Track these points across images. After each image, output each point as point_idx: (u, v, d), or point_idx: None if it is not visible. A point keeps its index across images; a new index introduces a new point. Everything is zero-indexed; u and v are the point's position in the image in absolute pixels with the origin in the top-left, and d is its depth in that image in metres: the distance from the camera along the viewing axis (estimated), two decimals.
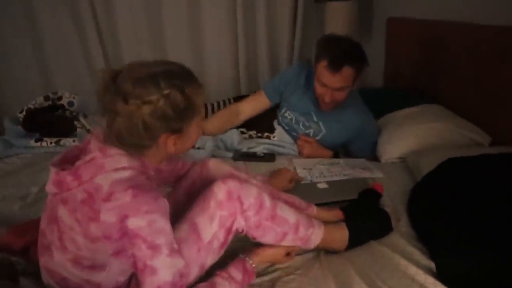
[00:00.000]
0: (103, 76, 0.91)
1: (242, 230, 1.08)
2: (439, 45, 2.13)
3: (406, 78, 2.52)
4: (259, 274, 1.13)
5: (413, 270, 1.10)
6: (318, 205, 1.42)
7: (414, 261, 1.14)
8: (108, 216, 0.86)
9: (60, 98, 2.26)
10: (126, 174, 0.89)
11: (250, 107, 2.09)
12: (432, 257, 1.14)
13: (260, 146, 1.96)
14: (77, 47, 2.85)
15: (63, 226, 0.91)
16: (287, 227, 1.10)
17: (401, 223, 1.34)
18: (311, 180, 1.64)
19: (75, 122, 2.12)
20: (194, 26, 2.98)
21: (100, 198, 0.86)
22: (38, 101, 2.21)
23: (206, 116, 2.25)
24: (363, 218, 1.28)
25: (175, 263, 0.90)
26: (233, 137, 1.98)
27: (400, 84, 2.57)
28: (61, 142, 1.99)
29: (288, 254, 1.15)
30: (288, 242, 1.12)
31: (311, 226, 1.15)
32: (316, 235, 1.16)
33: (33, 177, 1.72)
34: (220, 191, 1.04)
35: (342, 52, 1.72)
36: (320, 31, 2.93)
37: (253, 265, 1.09)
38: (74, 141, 1.98)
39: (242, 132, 2.08)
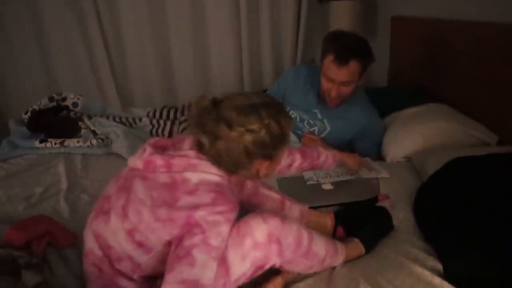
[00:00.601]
0: (202, 102, 0.98)
1: (274, 264, 1.05)
2: (444, 44, 2.11)
3: (411, 77, 2.51)
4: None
5: (419, 270, 1.09)
6: (321, 207, 1.42)
7: (420, 262, 1.13)
8: (183, 205, 0.91)
9: (64, 99, 2.27)
10: (215, 178, 0.97)
11: None
12: (438, 257, 1.13)
13: None
14: (80, 46, 2.85)
15: (133, 197, 0.96)
16: (316, 261, 1.09)
17: (408, 223, 1.33)
18: (317, 181, 1.63)
19: (80, 123, 2.12)
20: (197, 26, 2.98)
21: (184, 189, 0.93)
22: (43, 102, 2.21)
23: None
24: (368, 225, 1.26)
25: (213, 270, 0.91)
26: None
27: (405, 83, 2.55)
28: (65, 143, 1.99)
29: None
30: (311, 271, 1.12)
31: (335, 255, 1.13)
32: (338, 261, 1.15)
33: (37, 178, 1.72)
34: (260, 232, 0.98)
35: (349, 46, 1.72)
36: (324, 30, 2.92)
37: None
38: (78, 141, 1.99)
39: None
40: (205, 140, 0.98)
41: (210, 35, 3.04)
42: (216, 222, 0.91)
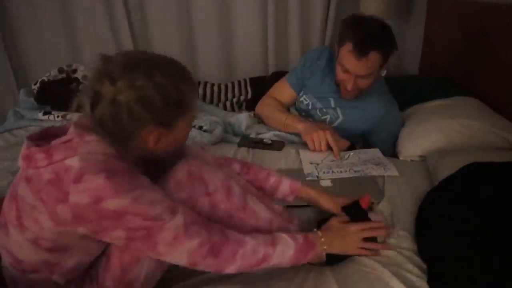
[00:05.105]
0: (95, 60, 0.85)
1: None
2: (485, 31, 1.87)
3: (444, 66, 2.27)
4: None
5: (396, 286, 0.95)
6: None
7: (408, 283, 0.98)
8: (79, 197, 0.79)
9: (74, 71, 2.22)
10: (99, 157, 0.83)
11: (287, 99, 1.94)
12: (428, 280, 0.97)
13: (269, 132, 1.82)
14: (105, 24, 2.76)
15: (23, 205, 0.84)
16: (261, 223, 1.00)
17: (406, 232, 1.18)
18: (317, 177, 1.49)
19: None
20: (223, 4, 2.85)
21: (70, 179, 0.80)
22: (52, 73, 2.18)
23: (212, 99, 2.15)
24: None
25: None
26: (241, 121, 1.85)
27: (437, 72, 2.32)
28: (68, 117, 1.94)
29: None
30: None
31: (285, 225, 1.04)
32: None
33: None
34: (180, 170, 0.96)
35: (370, 35, 1.53)
36: (355, 9, 2.72)
37: (320, 235, 1.01)
38: None
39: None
40: (86, 104, 0.84)
41: (236, 10, 2.89)
42: (136, 198, 0.81)
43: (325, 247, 1.00)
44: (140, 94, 0.82)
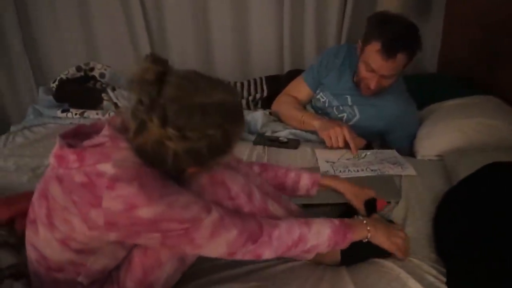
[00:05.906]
0: (149, 66, 0.79)
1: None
2: (505, 27, 1.83)
3: (464, 63, 2.23)
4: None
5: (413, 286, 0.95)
6: (329, 205, 1.28)
7: (426, 284, 0.97)
8: (113, 204, 0.78)
9: (92, 69, 2.24)
10: (131, 165, 0.82)
11: (304, 97, 1.94)
12: (446, 281, 0.96)
13: (285, 130, 1.82)
14: (121, 21, 2.78)
15: (53, 204, 0.83)
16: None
17: (423, 231, 1.17)
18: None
19: (103, 95, 2.09)
20: (238, 2, 2.85)
21: (104, 185, 0.78)
22: (70, 71, 2.20)
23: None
24: None
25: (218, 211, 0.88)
26: (257, 119, 1.85)
27: (456, 70, 2.27)
28: (85, 114, 1.97)
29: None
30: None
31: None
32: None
33: (50, 148, 1.67)
34: (202, 174, 0.94)
35: (399, 35, 1.52)
36: (372, 6, 2.68)
37: (361, 219, 1.04)
38: (97, 113, 1.96)
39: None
40: (131, 125, 0.81)
41: (251, 11, 2.89)
42: (169, 204, 0.80)
43: (368, 228, 1.02)
44: (189, 146, 0.80)
